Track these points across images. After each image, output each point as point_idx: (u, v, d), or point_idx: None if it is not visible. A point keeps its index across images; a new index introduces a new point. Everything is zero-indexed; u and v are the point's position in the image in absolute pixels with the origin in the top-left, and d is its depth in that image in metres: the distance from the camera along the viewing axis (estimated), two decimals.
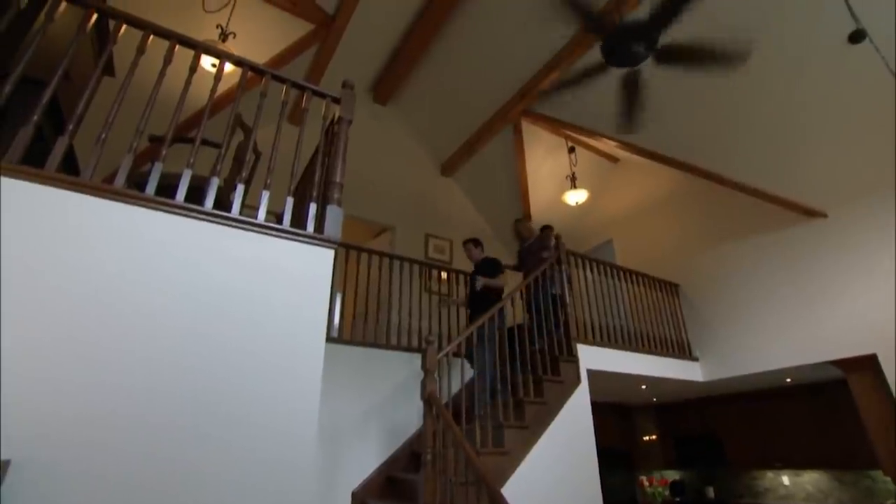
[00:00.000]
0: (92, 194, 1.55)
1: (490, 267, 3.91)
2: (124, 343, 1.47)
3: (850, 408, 4.19)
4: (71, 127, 1.64)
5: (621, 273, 4.70)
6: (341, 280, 3.74)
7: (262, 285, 1.76)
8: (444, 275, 4.74)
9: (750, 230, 4.75)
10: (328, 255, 1.95)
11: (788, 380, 4.91)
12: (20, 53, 1.64)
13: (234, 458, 1.52)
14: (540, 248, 4.28)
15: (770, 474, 5.31)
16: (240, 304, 1.70)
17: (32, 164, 1.49)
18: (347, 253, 3.91)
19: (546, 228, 4.56)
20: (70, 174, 1.58)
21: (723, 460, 5.59)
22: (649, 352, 4.41)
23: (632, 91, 2.81)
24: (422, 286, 4.38)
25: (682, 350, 4.81)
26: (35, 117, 1.56)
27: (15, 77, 1.55)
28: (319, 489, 3.12)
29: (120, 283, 1.51)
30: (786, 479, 5.17)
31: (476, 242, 4.16)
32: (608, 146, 5.49)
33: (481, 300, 3.77)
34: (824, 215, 4.20)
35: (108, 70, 2.38)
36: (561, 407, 3.37)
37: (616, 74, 2.80)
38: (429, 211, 5.91)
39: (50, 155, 1.55)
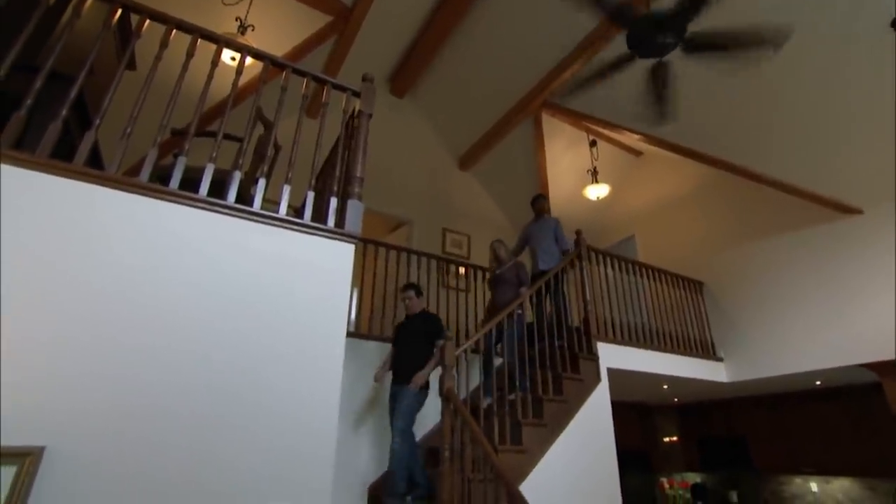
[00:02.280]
0: (118, 188, 1.57)
1: (428, 327, 3.22)
2: (148, 335, 1.48)
3: (886, 413, 4.01)
4: (98, 121, 1.65)
5: (643, 270, 4.59)
6: (358, 274, 3.73)
7: (283, 279, 1.76)
8: (461, 270, 4.71)
9: (779, 227, 4.57)
10: (349, 249, 1.94)
11: (818, 382, 4.73)
12: (48, 48, 1.66)
13: (256, 447, 1.54)
14: (517, 282, 3.66)
15: (798, 480, 5.14)
16: (261, 297, 1.70)
17: (57, 159, 1.51)
18: (365, 247, 3.91)
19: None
20: (93, 168, 1.59)
21: (748, 464, 5.44)
22: (672, 351, 4.30)
23: (660, 83, 2.72)
24: (439, 281, 4.35)
25: (705, 350, 4.68)
26: (63, 112, 1.58)
27: (45, 72, 1.57)
28: (335, 481, 3.14)
29: (144, 276, 1.53)
30: (814, 486, 4.99)
31: (418, 291, 3.40)
32: (631, 139, 5.36)
33: (413, 358, 3.08)
34: (860, 211, 4.01)
35: (130, 64, 2.41)
36: (580, 405, 3.32)
37: (641, 65, 2.71)
38: (446, 205, 5.87)
39: (77, 149, 1.57)
